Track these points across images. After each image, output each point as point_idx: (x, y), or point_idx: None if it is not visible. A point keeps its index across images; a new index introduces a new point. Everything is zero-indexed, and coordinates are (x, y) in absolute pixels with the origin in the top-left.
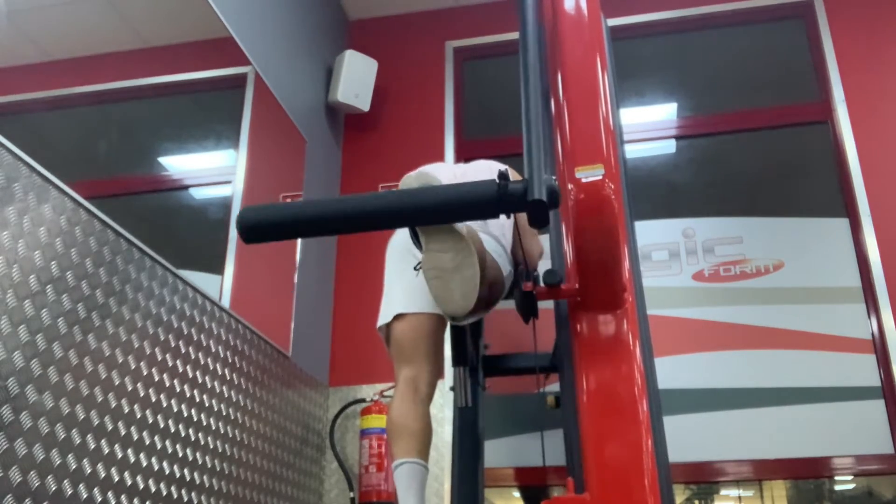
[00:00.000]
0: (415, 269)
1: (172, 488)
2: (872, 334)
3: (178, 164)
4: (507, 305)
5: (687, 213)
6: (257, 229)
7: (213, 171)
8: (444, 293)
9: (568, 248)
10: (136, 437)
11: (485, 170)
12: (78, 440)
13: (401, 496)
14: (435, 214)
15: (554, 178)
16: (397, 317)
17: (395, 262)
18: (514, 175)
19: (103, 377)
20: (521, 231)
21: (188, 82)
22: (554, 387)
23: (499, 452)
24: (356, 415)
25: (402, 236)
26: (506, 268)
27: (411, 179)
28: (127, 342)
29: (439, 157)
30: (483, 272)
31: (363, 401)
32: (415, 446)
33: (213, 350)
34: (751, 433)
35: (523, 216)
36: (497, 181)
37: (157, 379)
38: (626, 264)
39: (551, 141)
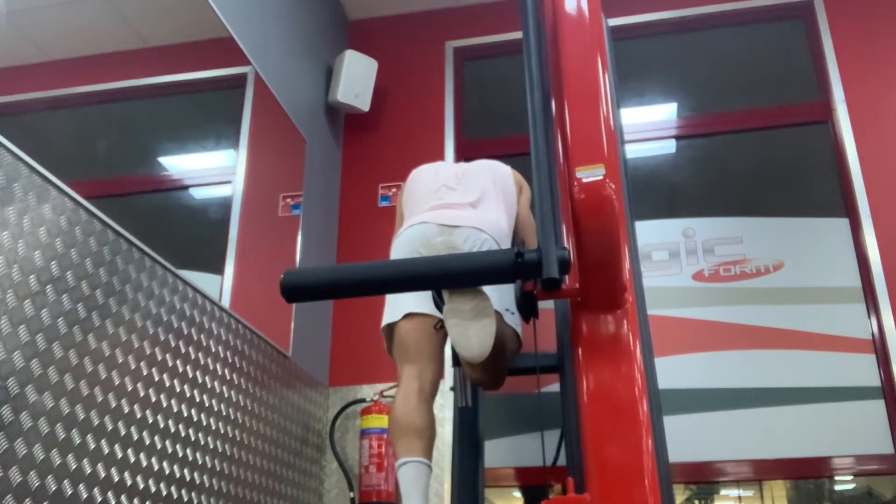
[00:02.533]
0: (435, 327)
1: (172, 488)
2: (872, 334)
3: (178, 164)
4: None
5: (687, 213)
6: (299, 291)
7: (213, 171)
8: (462, 340)
9: (568, 247)
10: (136, 437)
11: (486, 168)
12: (78, 440)
13: (405, 495)
14: (458, 280)
15: (566, 249)
16: (406, 316)
17: None
18: (515, 176)
19: (103, 377)
20: (521, 225)
21: (188, 82)
22: (554, 387)
23: (499, 452)
24: (356, 415)
25: (407, 235)
26: (518, 337)
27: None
28: (127, 342)
29: (439, 157)
30: (503, 345)
31: (363, 401)
32: (419, 445)
33: (213, 350)
34: (751, 433)
35: (525, 209)
36: (514, 251)
37: (157, 379)
38: (627, 264)
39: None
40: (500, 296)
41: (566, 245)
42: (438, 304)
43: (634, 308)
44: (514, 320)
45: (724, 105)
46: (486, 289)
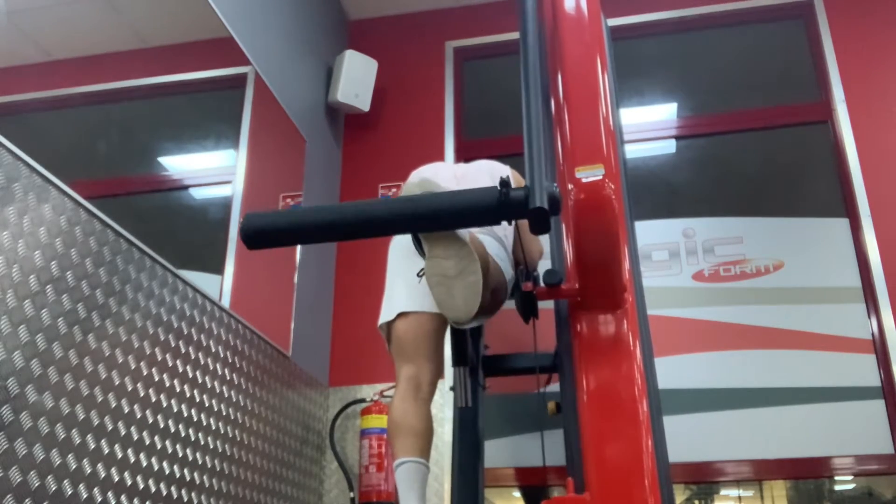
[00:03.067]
0: (417, 275)
1: (172, 488)
2: (872, 334)
3: (178, 164)
4: (508, 306)
5: (687, 213)
6: (261, 236)
7: (213, 171)
8: (447, 299)
9: (568, 248)
10: (136, 437)
11: (486, 169)
12: (78, 440)
13: (402, 495)
14: (436, 221)
15: (555, 185)
16: (400, 315)
17: (398, 261)
18: (515, 177)
19: (103, 377)
20: (521, 231)
21: (188, 82)
22: (554, 387)
23: (499, 452)
24: (356, 415)
25: (405, 235)
26: (508, 272)
27: (413, 186)
28: (127, 342)
29: (439, 157)
30: (486, 278)
31: (363, 401)
32: (416, 445)
33: (213, 350)
34: (751, 433)
35: None
36: (498, 188)
37: (157, 379)
38: (626, 264)
39: (552, 141)
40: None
41: (565, 242)
42: (419, 250)
43: (634, 308)
44: (493, 246)
45: (724, 105)
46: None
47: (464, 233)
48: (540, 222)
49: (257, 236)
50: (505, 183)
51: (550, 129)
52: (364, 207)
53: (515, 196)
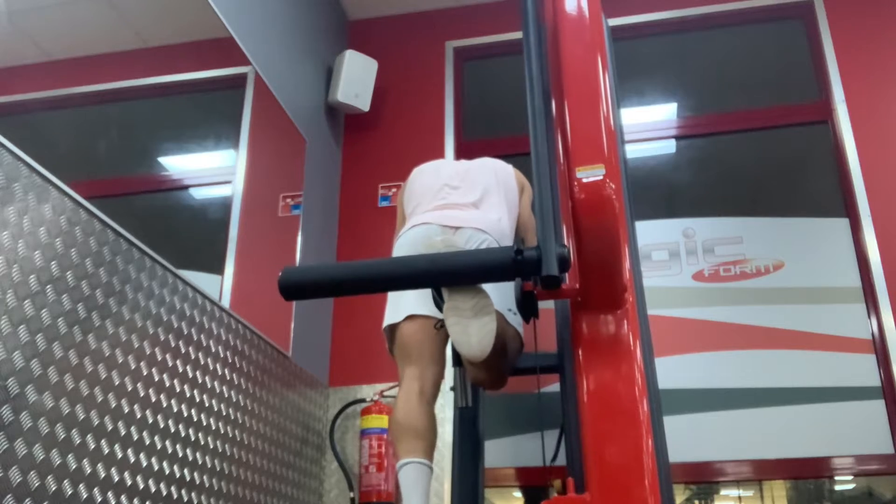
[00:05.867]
0: (435, 327)
1: (172, 488)
2: (872, 334)
3: (178, 164)
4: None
5: (687, 213)
6: (297, 289)
7: (213, 171)
8: (462, 338)
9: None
10: (136, 437)
11: (489, 167)
12: (78, 440)
13: (405, 496)
14: (457, 277)
15: (566, 247)
16: (408, 318)
17: None
18: (517, 175)
19: (103, 377)
20: (522, 225)
21: (188, 82)
22: (554, 387)
23: (499, 452)
24: (356, 415)
25: (410, 235)
26: (521, 334)
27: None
28: (127, 342)
29: (439, 157)
30: (504, 345)
31: (363, 401)
32: (420, 446)
33: (213, 350)
34: (751, 433)
35: (526, 209)
36: (514, 250)
37: (157, 379)
38: (627, 264)
39: (553, 141)
40: (502, 295)
41: (566, 244)
42: (438, 302)
43: (634, 308)
44: (515, 320)
45: (724, 105)
46: (489, 289)
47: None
48: (552, 285)
49: (294, 290)
50: (519, 251)
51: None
52: (391, 265)
53: (529, 257)
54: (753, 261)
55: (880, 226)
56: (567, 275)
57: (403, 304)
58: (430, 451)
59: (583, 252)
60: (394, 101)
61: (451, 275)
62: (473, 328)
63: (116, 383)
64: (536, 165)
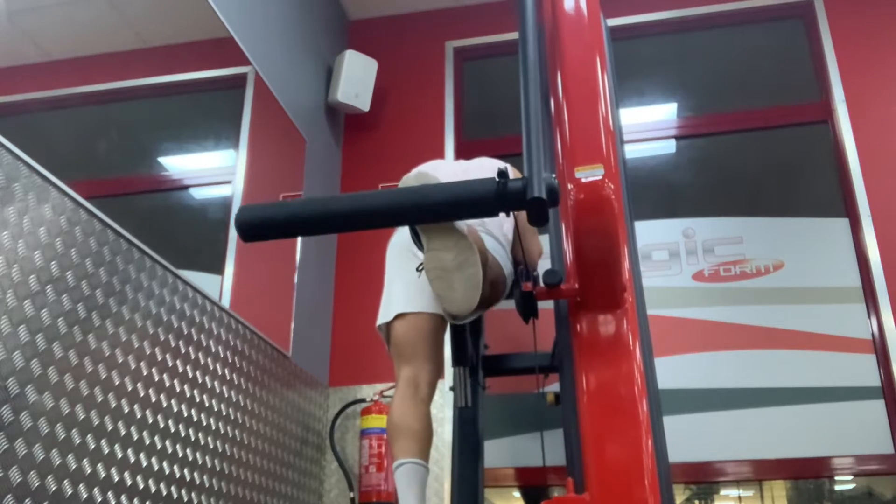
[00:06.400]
0: (416, 269)
1: (172, 488)
2: (872, 334)
3: (178, 164)
4: (508, 305)
5: (687, 213)
6: (256, 227)
7: (213, 171)
8: (446, 292)
9: (568, 247)
10: (136, 437)
11: (487, 167)
12: (78, 440)
13: (401, 496)
14: (434, 212)
15: (553, 176)
16: (398, 316)
17: (396, 262)
18: (514, 173)
19: (103, 377)
20: (520, 230)
21: (188, 82)
22: (554, 387)
23: (499, 452)
24: (356, 415)
25: (402, 235)
26: (507, 267)
27: (410, 179)
28: (127, 342)
29: (439, 157)
30: (485, 271)
31: (363, 401)
32: (416, 446)
33: (213, 350)
34: (751, 433)
35: (523, 215)
36: (496, 179)
37: (157, 379)
38: (626, 264)
39: (551, 141)
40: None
41: (565, 242)
42: (417, 244)
43: (634, 308)
44: (493, 244)
45: (724, 105)
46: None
47: (461, 225)
48: (538, 213)
49: (252, 228)
50: (503, 174)
51: (550, 129)
52: (361, 198)
53: (513, 187)
54: (753, 261)
55: (880, 226)
56: (566, 275)
57: (393, 303)
58: (425, 451)
59: (582, 252)
60: (394, 101)
61: (430, 209)
62: (458, 282)
63: (116, 383)
64: (524, 96)
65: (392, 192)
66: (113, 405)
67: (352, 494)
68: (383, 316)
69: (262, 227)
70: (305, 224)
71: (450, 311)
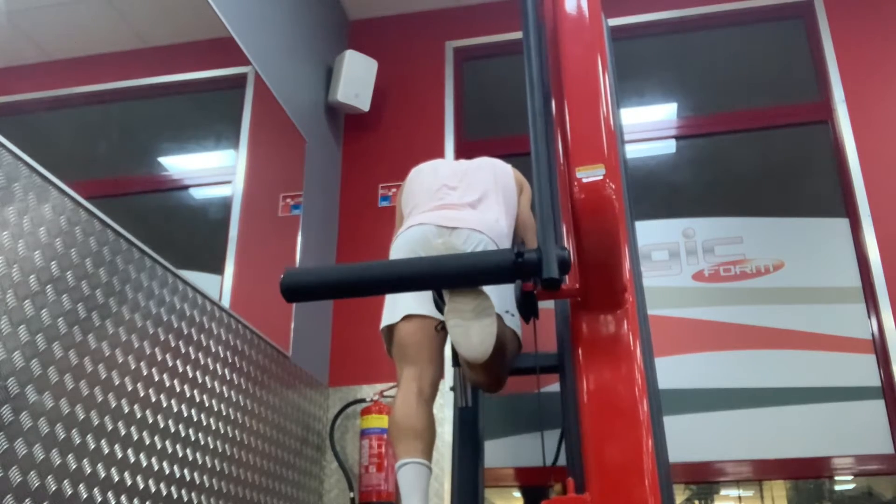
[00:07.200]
0: (436, 329)
1: (172, 488)
2: (872, 334)
3: (178, 164)
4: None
5: (687, 213)
6: (298, 292)
7: (213, 171)
8: (463, 340)
9: (568, 247)
10: (136, 437)
11: (487, 167)
12: (78, 440)
13: (404, 497)
14: (458, 280)
15: (566, 249)
16: (405, 317)
17: None
18: (516, 175)
19: (103, 377)
20: (521, 224)
21: (188, 82)
22: (554, 387)
23: (499, 452)
24: (356, 415)
25: (407, 235)
26: (518, 331)
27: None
28: (127, 342)
29: (439, 157)
30: (503, 346)
31: (363, 401)
32: (418, 446)
33: (213, 350)
34: (751, 433)
35: (525, 209)
36: (514, 252)
37: (157, 379)
38: (627, 264)
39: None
40: (500, 297)
41: (566, 245)
42: (439, 304)
43: (634, 308)
44: (514, 322)
45: (724, 105)
46: (487, 290)
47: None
48: (552, 287)
49: (295, 293)
50: (520, 253)
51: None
52: (392, 267)
53: (529, 259)
54: (753, 261)
55: (880, 226)
56: (567, 275)
57: (401, 305)
58: (428, 451)
59: (583, 252)
60: (394, 101)
61: (451, 277)
62: (475, 330)
63: (116, 383)
64: (536, 165)
65: (422, 261)
66: (113, 405)
67: (352, 494)
68: (389, 317)
69: (303, 291)
70: (343, 289)
71: (466, 356)
